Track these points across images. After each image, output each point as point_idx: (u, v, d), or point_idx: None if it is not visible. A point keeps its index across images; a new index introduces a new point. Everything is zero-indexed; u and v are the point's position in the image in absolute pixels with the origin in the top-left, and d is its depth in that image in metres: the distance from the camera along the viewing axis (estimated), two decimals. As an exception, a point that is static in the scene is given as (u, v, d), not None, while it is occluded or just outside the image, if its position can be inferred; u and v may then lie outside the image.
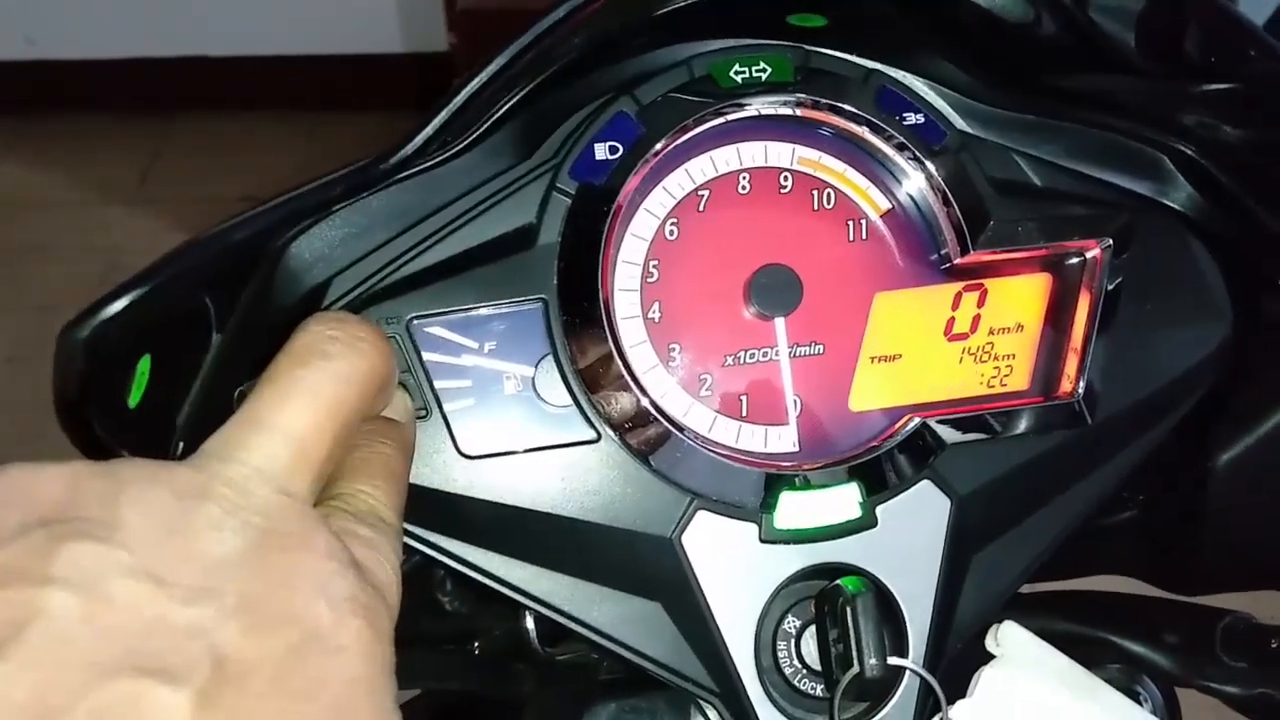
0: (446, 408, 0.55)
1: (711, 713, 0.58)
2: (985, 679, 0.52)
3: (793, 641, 0.57)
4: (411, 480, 0.52)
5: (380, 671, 0.38)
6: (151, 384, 0.50)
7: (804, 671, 0.57)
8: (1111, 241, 0.59)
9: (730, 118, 0.58)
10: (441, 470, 0.54)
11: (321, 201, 0.54)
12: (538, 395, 0.56)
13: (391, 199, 0.58)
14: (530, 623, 0.67)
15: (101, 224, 2.96)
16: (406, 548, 0.56)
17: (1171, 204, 0.63)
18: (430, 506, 0.54)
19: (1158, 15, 0.57)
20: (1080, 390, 0.59)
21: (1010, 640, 0.53)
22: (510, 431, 0.55)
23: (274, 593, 0.36)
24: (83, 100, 3.26)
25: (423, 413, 0.54)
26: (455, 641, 0.70)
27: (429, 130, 0.54)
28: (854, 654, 0.51)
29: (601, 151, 0.57)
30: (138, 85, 3.29)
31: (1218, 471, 0.62)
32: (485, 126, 0.58)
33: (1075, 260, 0.60)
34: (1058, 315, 0.61)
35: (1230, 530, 0.63)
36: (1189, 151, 0.61)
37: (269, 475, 0.39)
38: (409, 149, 0.54)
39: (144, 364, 0.50)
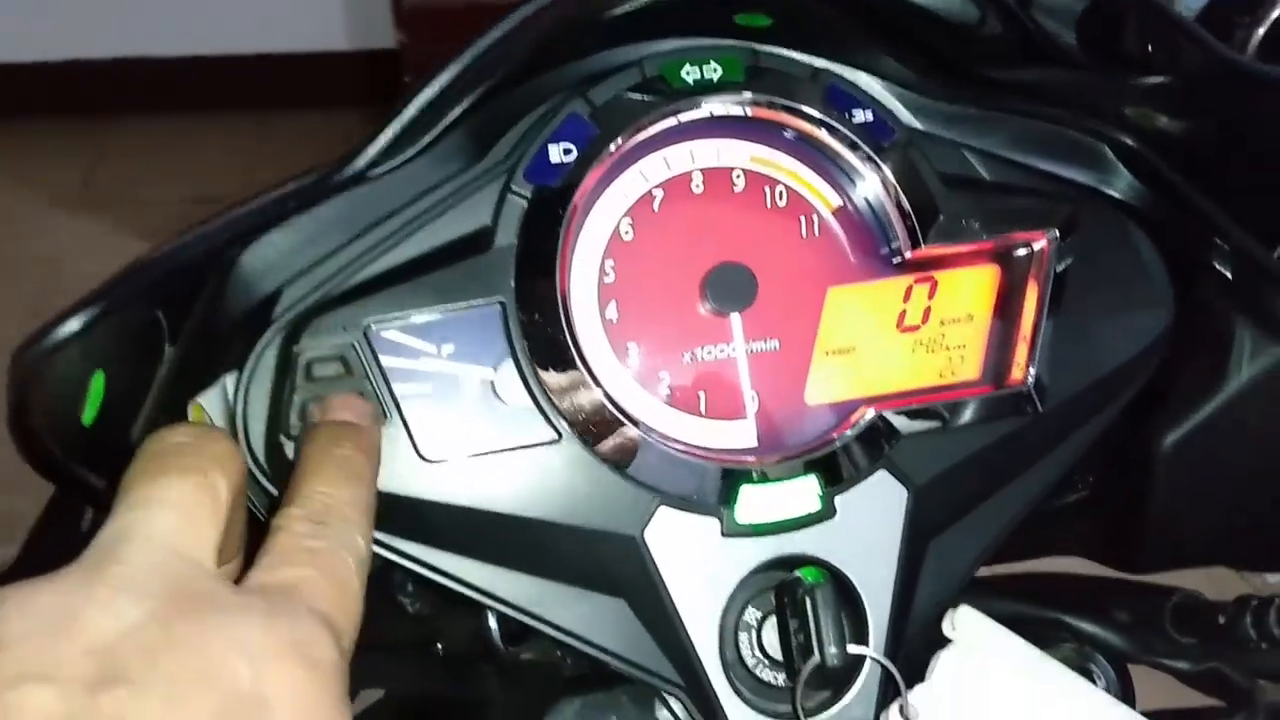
0: (406, 412, 0.55)
1: (676, 706, 0.59)
2: (942, 663, 0.54)
3: (754, 633, 0.58)
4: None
5: (324, 708, 0.37)
6: (105, 401, 0.50)
7: (766, 662, 0.58)
8: (1057, 233, 0.61)
9: (683, 118, 0.59)
10: (402, 475, 0.54)
11: (276, 215, 0.53)
12: (497, 397, 0.56)
13: (343, 206, 0.57)
14: (493, 622, 0.67)
15: (44, 230, 2.90)
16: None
17: (1113, 193, 0.65)
18: (392, 512, 0.54)
19: (1097, 13, 0.58)
20: (1030, 378, 0.61)
21: (966, 624, 0.54)
22: (471, 434, 0.55)
23: (186, 660, 0.34)
24: (22, 104, 3.19)
25: (382, 418, 0.54)
26: (417, 644, 0.70)
27: (384, 139, 0.54)
28: (814, 644, 0.52)
29: (556, 153, 0.57)
30: (78, 88, 3.22)
31: (1162, 453, 0.64)
32: (438, 131, 0.58)
33: (1023, 252, 0.62)
34: (1006, 306, 0.62)
35: (1176, 509, 0.65)
36: (1129, 141, 0.62)
37: (159, 543, 0.37)
38: (363, 159, 0.53)
39: (97, 380, 0.49)
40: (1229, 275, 0.62)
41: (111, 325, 0.48)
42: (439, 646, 0.70)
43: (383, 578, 0.69)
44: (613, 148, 0.57)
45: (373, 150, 0.54)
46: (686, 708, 0.58)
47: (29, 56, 3.20)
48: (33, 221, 2.94)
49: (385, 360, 0.55)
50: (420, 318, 0.55)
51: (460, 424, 0.55)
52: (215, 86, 3.25)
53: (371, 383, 0.54)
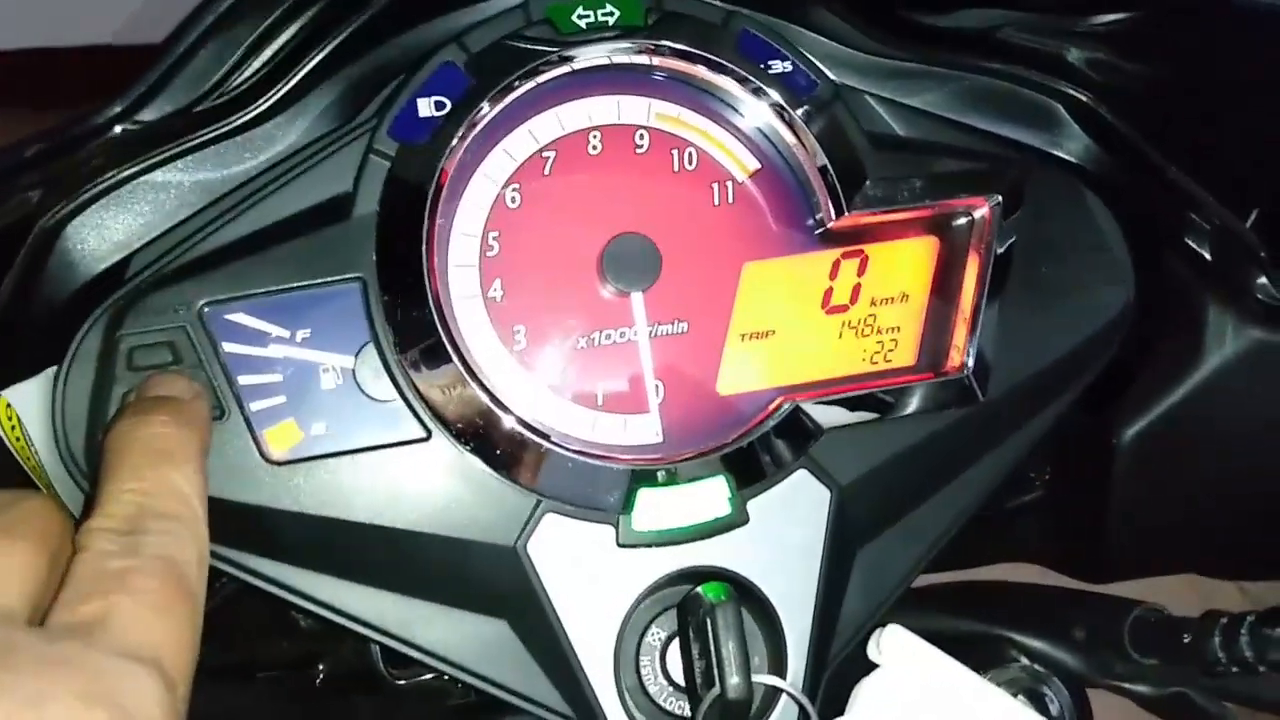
0: (250, 407, 0.47)
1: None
2: (865, 692, 0.46)
3: (658, 656, 0.51)
4: (209, 491, 0.45)
5: None
6: None
7: (670, 689, 0.51)
8: (1001, 199, 0.54)
9: (574, 67, 0.52)
10: (244, 479, 0.47)
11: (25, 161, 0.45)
12: (359, 389, 0.49)
13: (191, 174, 0.51)
14: (377, 645, 0.60)
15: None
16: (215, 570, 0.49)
17: (1066, 156, 0.58)
18: (232, 521, 0.47)
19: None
20: (970, 363, 0.54)
21: (895, 647, 0.47)
22: (325, 432, 0.48)
23: None
24: None
25: (218, 413, 0.47)
26: (297, 665, 0.62)
27: (158, 72, 0.46)
28: (715, 672, 0.45)
29: (425, 107, 0.50)
30: None
31: (1123, 447, 0.57)
32: (294, 84, 0.50)
33: (962, 221, 0.55)
34: (945, 283, 0.55)
35: (1137, 509, 0.58)
36: (1083, 97, 0.55)
37: None
38: (135, 93, 0.45)
39: None
40: (1198, 249, 0.55)
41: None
42: (320, 669, 0.62)
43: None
44: (491, 101, 0.50)
45: (152, 77, 0.46)
46: (579, 742, 0.51)
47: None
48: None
49: (226, 346, 0.48)
50: (268, 297, 0.48)
51: (315, 420, 0.48)
52: None
53: (206, 372, 0.47)
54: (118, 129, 0.45)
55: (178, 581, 0.35)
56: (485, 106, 0.50)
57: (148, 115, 0.46)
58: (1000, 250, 0.54)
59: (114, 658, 0.32)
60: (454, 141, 0.50)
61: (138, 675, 0.32)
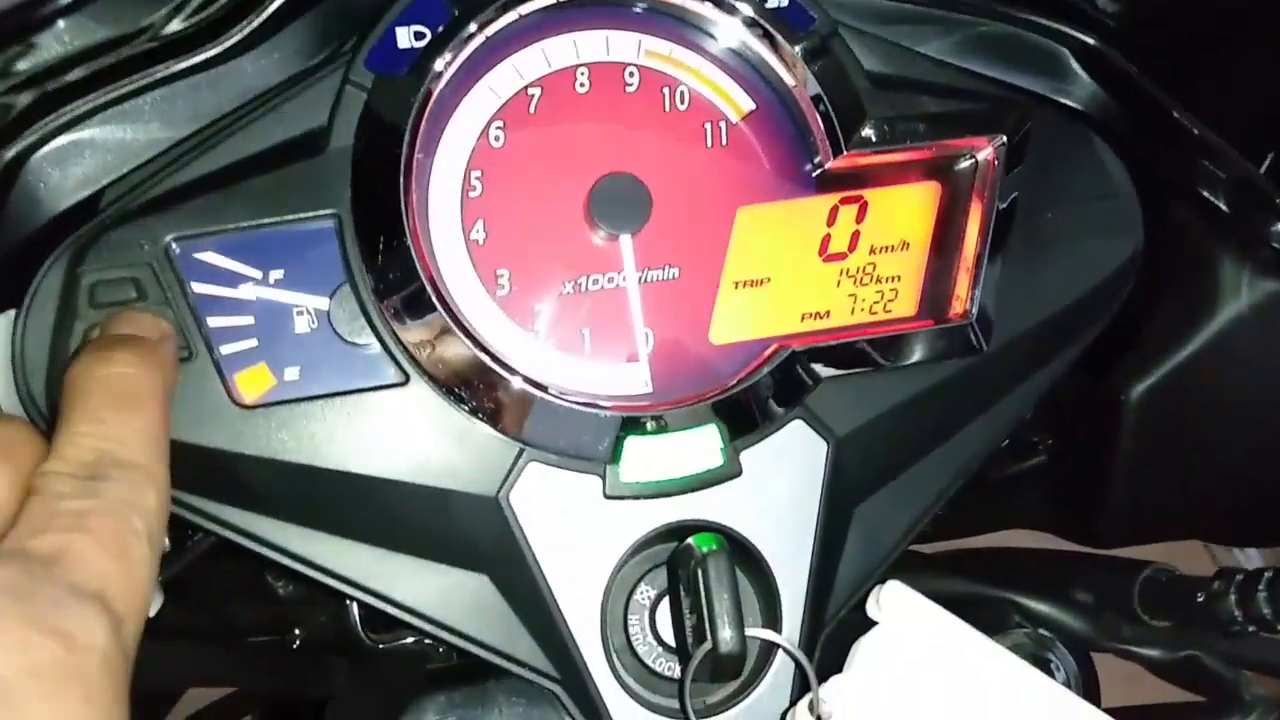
0: (221, 350, 0.45)
1: (559, 703, 0.50)
2: (864, 650, 0.44)
3: (646, 614, 0.49)
4: (175, 436, 0.43)
5: (85, 704, 0.30)
6: None
7: (660, 649, 0.48)
8: (1005, 140, 0.52)
9: (561, -1, 0.49)
10: (213, 424, 0.45)
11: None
12: (334, 332, 0.47)
13: (156, 105, 0.49)
14: (355, 606, 0.57)
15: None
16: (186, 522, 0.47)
17: (1073, 103, 0.56)
18: (200, 468, 0.44)
19: None
20: (973, 312, 0.52)
21: (895, 604, 0.45)
22: (299, 376, 0.46)
23: None
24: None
25: (185, 353, 0.44)
26: (276, 630, 0.60)
27: None
28: (706, 625, 0.42)
29: (404, 38, 0.47)
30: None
31: (1130, 405, 0.55)
32: (266, 15, 0.48)
33: (965, 164, 0.53)
34: (947, 229, 0.53)
35: (1145, 470, 0.56)
36: (1091, 40, 0.53)
37: None
38: None
39: None
40: (1211, 197, 0.53)
41: None
42: (297, 634, 0.60)
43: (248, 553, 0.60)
44: (473, 30, 0.48)
45: None
46: (565, 705, 0.49)
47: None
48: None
49: (196, 287, 0.45)
50: (238, 234, 0.45)
51: (286, 364, 0.46)
52: None
53: (174, 310, 0.44)
54: (60, 24, 0.43)
55: (132, 526, 0.34)
56: (467, 38, 0.48)
57: (94, 26, 0.44)
58: (1004, 199, 0.52)
59: (63, 591, 0.31)
60: (434, 74, 0.47)
61: (85, 608, 0.31)
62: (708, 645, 0.43)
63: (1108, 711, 0.44)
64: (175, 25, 0.46)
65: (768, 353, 0.50)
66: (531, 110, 0.50)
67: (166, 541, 0.37)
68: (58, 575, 0.31)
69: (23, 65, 0.45)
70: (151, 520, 0.35)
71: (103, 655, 0.31)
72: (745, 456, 0.49)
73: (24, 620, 0.30)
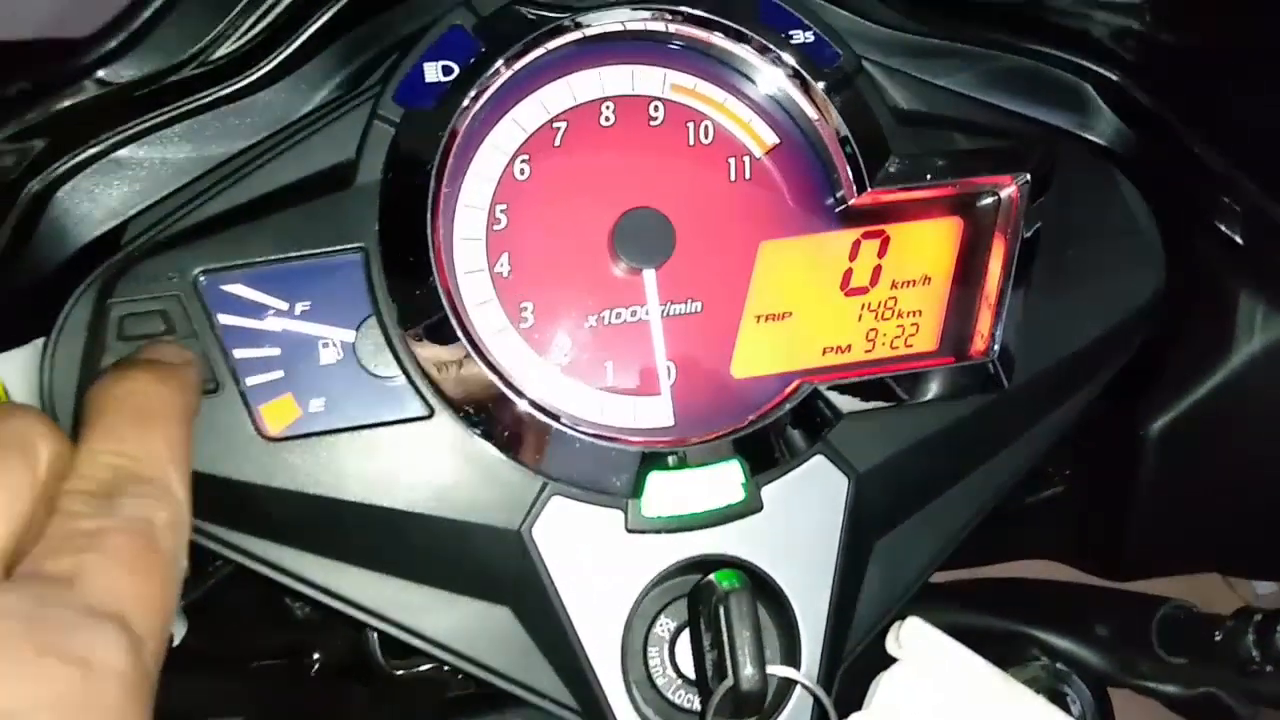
0: (246, 382, 0.45)
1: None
2: (884, 686, 0.44)
3: (666, 647, 0.49)
4: (200, 468, 0.43)
5: None
6: None
7: (679, 682, 0.49)
8: (1028, 178, 0.52)
9: (587, 34, 0.50)
10: (238, 456, 0.45)
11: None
12: (360, 364, 0.47)
13: (184, 138, 0.49)
14: (375, 633, 0.58)
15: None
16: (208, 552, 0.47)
17: (1095, 138, 0.56)
18: (225, 499, 0.45)
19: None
20: (995, 350, 0.52)
21: (914, 640, 0.45)
22: (325, 408, 0.46)
23: None
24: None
25: (212, 386, 0.45)
26: (293, 654, 0.60)
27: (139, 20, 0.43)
28: (727, 662, 0.43)
29: (432, 72, 0.48)
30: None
31: (1150, 440, 0.55)
32: (295, 49, 0.49)
33: (988, 201, 0.53)
34: (969, 265, 0.53)
35: (1164, 505, 0.56)
36: (1113, 76, 0.53)
37: None
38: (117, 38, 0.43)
39: None
40: (1229, 232, 0.53)
41: None
42: (315, 658, 0.60)
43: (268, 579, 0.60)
44: (500, 67, 0.48)
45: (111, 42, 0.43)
46: (584, 736, 0.49)
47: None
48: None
49: (222, 319, 0.46)
50: (266, 267, 0.46)
51: (311, 396, 0.46)
52: None
53: (201, 343, 0.45)
54: (100, 74, 0.43)
55: (152, 544, 0.33)
56: (494, 73, 0.48)
57: (129, 70, 0.44)
58: (1027, 234, 0.52)
59: (79, 614, 0.30)
60: (461, 109, 0.48)
61: (104, 630, 0.30)
62: (729, 682, 0.43)
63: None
64: (214, 57, 0.46)
65: (790, 389, 0.50)
66: (557, 144, 0.50)
67: (186, 565, 0.36)
68: (73, 597, 0.30)
69: (53, 101, 0.45)
70: (172, 537, 0.34)
71: (122, 679, 0.30)
72: (766, 492, 0.49)
73: (37, 647, 0.29)
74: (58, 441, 0.34)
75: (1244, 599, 0.60)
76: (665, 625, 0.49)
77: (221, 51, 0.47)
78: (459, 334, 0.47)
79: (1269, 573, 0.70)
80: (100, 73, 0.43)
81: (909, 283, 0.53)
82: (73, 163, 0.47)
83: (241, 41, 0.47)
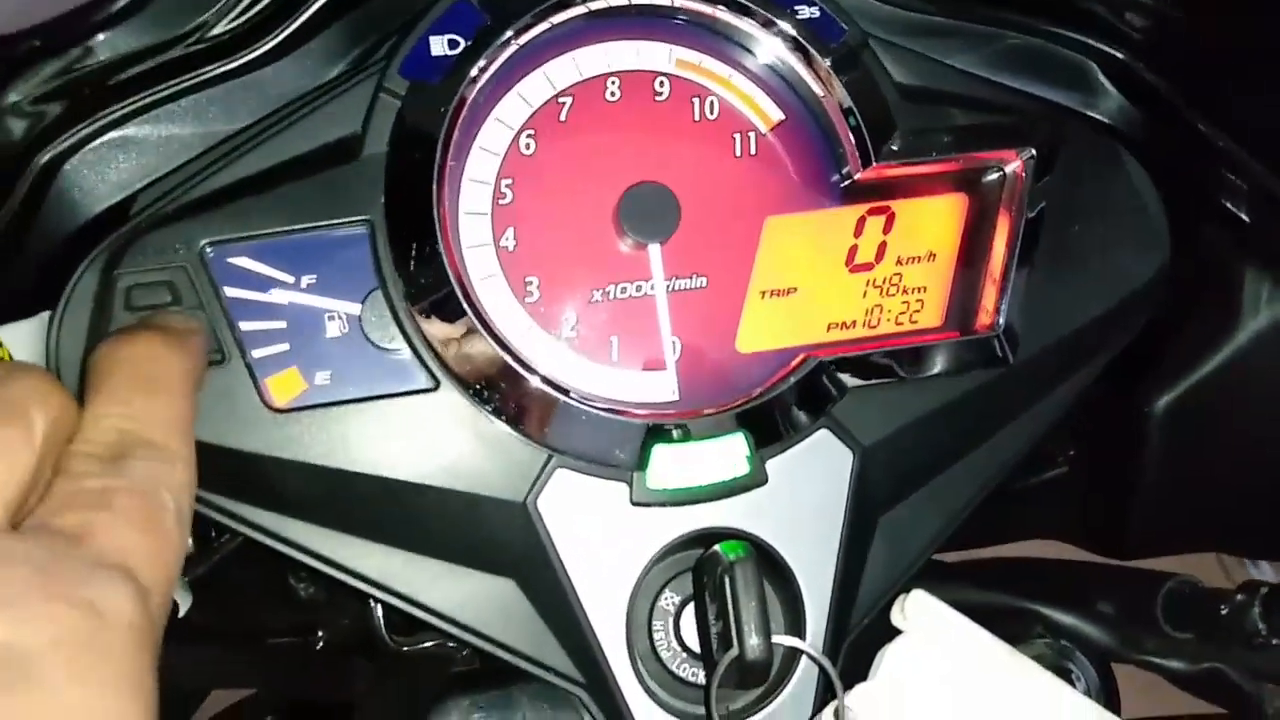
0: (253, 354, 0.45)
1: (583, 707, 0.50)
2: (889, 658, 0.44)
3: (671, 620, 0.49)
4: (207, 439, 0.44)
5: (111, 672, 0.29)
6: None
7: (684, 655, 0.49)
8: (1034, 153, 0.52)
9: (593, 8, 0.50)
10: (245, 428, 0.45)
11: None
12: (365, 336, 0.47)
13: (190, 112, 0.49)
14: (379, 609, 0.58)
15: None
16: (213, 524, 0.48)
17: (1100, 116, 0.56)
18: (231, 471, 0.45)
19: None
20: (1000, 325, 0.52)
21: (919, 613, 0.45)
22: (331, 380, 0.46)
23: None
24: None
25: (218, 357, 0.45)
26: (298, 632, 0.60)
27: None
28: (732, 633, 0.43)
29: (438, 45, 0.48)
30: None
31: (1154, 418, 0.55)
32: (299, 24, 0.49)
33: (993, 176, 0.53)
34: (974, 241, 0.53)
35: (1167, 484, 0.56)
36: (1118, 54, 0.53)
37: None
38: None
39: None
40: (1234, 209, 0.53)
41: None
42: (320, 636, 0.61)
43: (272, 556, 0.60)
44: (506, 39, 0.48)
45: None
46: (589, 709, 0.49)
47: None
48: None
49: (228, 291, 0.46)
50: (271, 239, 0.46)
51: (317, 368, 0.46)
52: None
53: (207, 314, 0.45)
54: (100, 37, 0.43)
55: (158, 504, 0.34)
56: (500, 47, 0.48)
57: (128, 40, 0.44)
58: (1032, 211, 0.52)
59: (86, 563, 0.31)
60: (466, 82, 0.48)
61: (111, 579, 0.31)
62: (734, 652, 0.43)
63: (1129, 723, 0.44)
64: (216, 31, 0.46)
65: (794, 362, 0.50)
66: (562, 118, 0.50)
67: (191, 543, 0.36)
68: (81, 549, 0.31)
69: (60, 71, 0.45)
70: (175, 501, 0.34)
71: (129, 626, 0.30)
72: (771, 465, 0.49)
73: (46, 592, 0.29)
74: (63, 399, 0.34)
75: (1233, 583, 0.60)
76: (670, 599, 0.49)
77: (222, 27, 0.47)
78: (465, 308, 0.47)
79: (1272, 552, 0.69)
80: (100, 36, 0.43)
81: (914, 259, 0.53)
82: (80, 135, 0.47)
83: (243, 18, 0.48)
